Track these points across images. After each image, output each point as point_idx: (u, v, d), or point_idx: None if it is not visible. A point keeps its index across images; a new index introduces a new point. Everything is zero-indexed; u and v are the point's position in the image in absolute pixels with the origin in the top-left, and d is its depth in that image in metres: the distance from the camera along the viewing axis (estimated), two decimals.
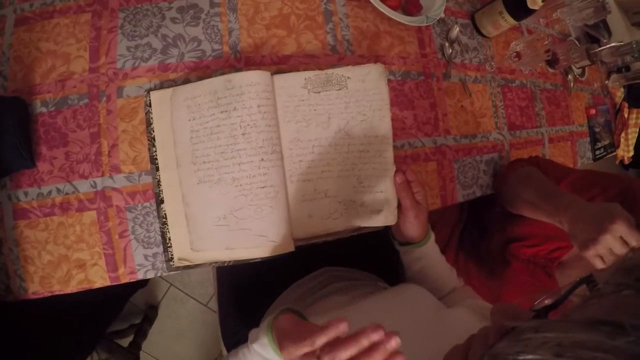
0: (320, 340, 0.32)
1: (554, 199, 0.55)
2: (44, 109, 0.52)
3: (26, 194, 0.51)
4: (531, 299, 0.22)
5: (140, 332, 1.16)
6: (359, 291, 0.54)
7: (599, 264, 0.45)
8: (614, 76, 1.20)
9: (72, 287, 0.50)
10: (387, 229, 0.59)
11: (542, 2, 0.70)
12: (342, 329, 0.32)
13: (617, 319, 0.16)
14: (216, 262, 0.50)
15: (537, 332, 0.18)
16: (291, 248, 0.50)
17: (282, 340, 0.36)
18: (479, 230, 0.83)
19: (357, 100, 0.54)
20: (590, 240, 0.45)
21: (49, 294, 0.50)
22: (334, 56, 0.61)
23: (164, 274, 0.52)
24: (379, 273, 0.67)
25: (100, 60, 0.53)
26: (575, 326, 0.17)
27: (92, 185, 0.51)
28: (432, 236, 0.58)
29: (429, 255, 0.57)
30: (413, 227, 0.54)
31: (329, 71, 0.54)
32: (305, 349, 0.33)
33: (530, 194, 0.60)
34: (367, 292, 0.54)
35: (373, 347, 0.29)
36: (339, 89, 0.54)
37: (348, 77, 0.54)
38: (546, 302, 0.20)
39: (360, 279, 0.63)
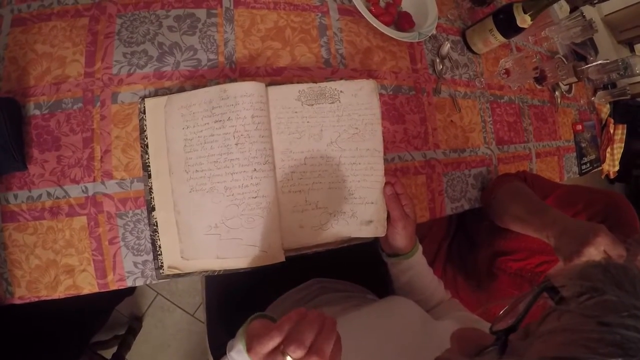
0: (283, 328, 0.33)
1: (540, 214, 0.57)
2: (37, 112, 0.52)
3: (16, 196, 0.50)
4: (505, 304, 0.22)
5: (124, 343, 1.14)
6: (348, 303, 0.55)
7: None
8: (600, 93, 1.24)
9: (59, 293, 0.50)
10: (376, 241, 0.60)
11: (531, 20, 0.72)
12: (301, 314, 0.34)
13: (573, 355, 0.16)
14: (206, 271, 0.51)
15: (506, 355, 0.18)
16: (281, 258, 0.51)
17: (250, 343, 0.36)
18: (467, 243, 0.84)
19: (349, 114, 0.55)
20: (574, 252, 0.46)
21: (36, 299, 0.50)
22: (328, 69, 0.62)
23: (153, 282, 0.52)
24: (368, 285, 0.68)
25: (96, 65, 0.54)
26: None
27: (83, 191, 0.51)
28: (420, 248, 0.59)
29: (417, 267, 0.58)
30: (401, 238, 0.55)
31: (323, 84, 0.56)
32: (269, 344, 0.33)
33: (517, 208, 0.62)
34: (355, 304, 0.55)
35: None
36: (332, 102, 0.55)
37: (341, 91, 0.56)
38: (508, 322, 0.20)
39: (349, 290, 0.63)
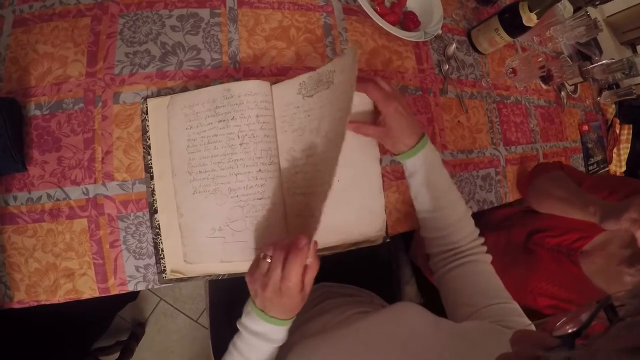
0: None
1: (583, 195, 0.64)
2: (37, 112, 0.51)
3: (15, 198, 0.49)
4: (550, 321, 0.22)
5: (127, 349, 1.13)
6: (354, 309, 0.53)
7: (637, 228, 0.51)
8: (605, 93, 1.23)
9: (59, 297, 0.48)
10: (382, 245, 0.57)
11: (537, 19, 0.71)
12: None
13: None
14: (210, 275, 0.49)
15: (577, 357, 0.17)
16: None
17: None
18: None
19: (342, 93, 0.48)
20: (622, 209, 0.52)
21: (35, 304, 0.48)
22: None
23: (155, 287, 0.51)
24: (375, 289, 0.66)
25: (97, 65, 0.53)
26: (611, 355, 0.16)
27: (83, 192, 0.50)
28: (428, 145, 0.52)
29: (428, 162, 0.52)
30: (399, 123, 0.49)
31: (320, 69, 0.51)
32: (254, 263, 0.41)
33: (561, 192, 0.68)
34: (362, 310, 0.53)
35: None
36: (327, 87, 0.50)
37: (334, 71, 0.50)
38: (568, 329, 0.20)
39: (356, 295, 0.62)
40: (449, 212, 0.53)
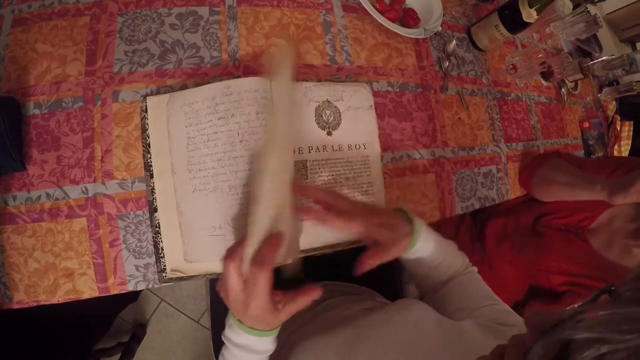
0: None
1: (587, 176, 0.67)
2: (37, 111, 0.51)
3: (14, 197, 0.49)
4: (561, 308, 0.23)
5: (128, 350, 1.12)
6: (358, 307, 0.53)
7: None
8: (606, 89, 1.22)
9: (58, 297, 0.48)
10: None
11: (537, 15, 0.71)
12: None
13: None
14: (211, 274, 0.49)
15: (588, 313, 0.18)
16: (288, 260, 0.49)
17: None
18: (482, 215, 0.90)
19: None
20: (629, 182, 0.53)
21: (35, 304, 0.48)
22: (333, 67, 0.61)
23: (156, 286, 0.51)
24: (377, 288, 0.66)
25: (96, 63, 0.53)
26: (627, 303, 0.17)
27: (83, 191, 0.50)
28: (422, 233, 0.49)
29: (423, 250, 0.51)
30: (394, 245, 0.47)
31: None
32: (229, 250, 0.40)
33: (566, 177, 0.70)
34: (365, 308, 0.53)
35: None
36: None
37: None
38: (576, 305, 0.21)
39: (358, 293, 0.61)
40: (445, 266, 0.53)
